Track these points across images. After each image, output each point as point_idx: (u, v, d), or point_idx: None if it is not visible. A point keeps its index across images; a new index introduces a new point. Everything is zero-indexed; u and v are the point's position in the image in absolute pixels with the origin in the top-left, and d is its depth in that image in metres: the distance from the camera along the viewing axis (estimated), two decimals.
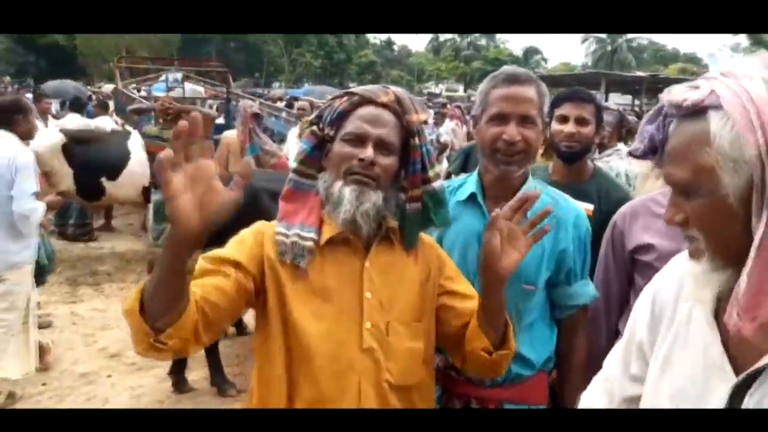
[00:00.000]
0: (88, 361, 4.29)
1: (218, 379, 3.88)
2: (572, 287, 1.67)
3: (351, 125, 1.35)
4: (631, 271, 1.74)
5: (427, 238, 1.54)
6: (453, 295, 1.46)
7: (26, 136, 3.82)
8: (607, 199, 2.23)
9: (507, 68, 1.65)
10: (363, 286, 1.35)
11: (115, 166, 6.27)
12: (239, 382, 3.94)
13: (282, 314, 1.33)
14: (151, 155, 5.37)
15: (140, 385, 4.00)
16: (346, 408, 1.31)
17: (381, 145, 1.33)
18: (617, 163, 3.88)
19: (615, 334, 1.74)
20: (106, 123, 7.68)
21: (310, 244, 1.33)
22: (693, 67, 40.78)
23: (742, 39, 43.53)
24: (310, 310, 1.32)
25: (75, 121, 7.39)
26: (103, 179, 6.30)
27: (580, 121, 2.29)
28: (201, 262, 1.26)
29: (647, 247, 1.65)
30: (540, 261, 1.61)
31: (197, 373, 4.07)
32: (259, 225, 1.41)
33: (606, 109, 4.08)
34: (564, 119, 2.31)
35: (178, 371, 3.86)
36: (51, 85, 19.12)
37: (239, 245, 1.35)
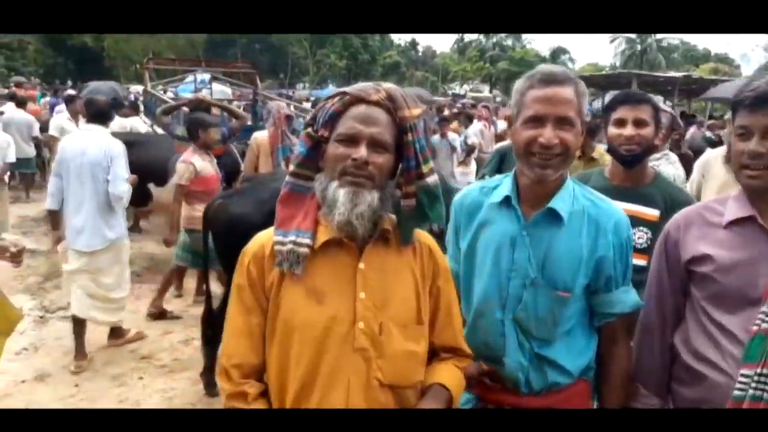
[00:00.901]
0: (120, 363, 4.30)
1: None
2: (612, 294, 1.61)
3: (343, 125, 1.35)
4: (687, 283, 1.63)
5: (430, 240, 1.52)
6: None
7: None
8: (672, 203, 2.15)
9: (543, 67, 1.57)
10: (357, 286, 1.36)
11: (163, 171, 6.01)
12: None
13: (278, 317, 1.37)
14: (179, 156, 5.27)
15: (172, 387, 3.99)
16: (334, 405, 1.33)
17: (374, 144, 1.33)
18: (666, 168, 3.74)
19: (670, 349, 1.66)
20: (139, 124, 7.72)
21: (305, 250, 1.35)
22: (725, 68, 40.03)
23: None
24: (304, 312, 1.35)
25: (112, 122, 7.42)
26: (151, 185, 6.22)
27: (639, 123, 2.23)
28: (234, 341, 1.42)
29: (704, 258, 1.54)
30: (577, 267, 1.56)
31: None
32: (259, 243, 1.43)
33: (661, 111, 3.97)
34: (621, 122, 2.26)
35: (209, 373, 3.82)
36: (93, 85, 19.44)
37: (246, 299, 1.41)
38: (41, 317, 5.15)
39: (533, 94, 1.53)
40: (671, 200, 2.18)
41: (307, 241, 1.35)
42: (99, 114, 4.38)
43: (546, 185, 1.57)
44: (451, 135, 8.43)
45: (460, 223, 1.74)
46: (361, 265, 1.37)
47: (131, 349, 4.52)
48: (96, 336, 4.61)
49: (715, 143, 8.98)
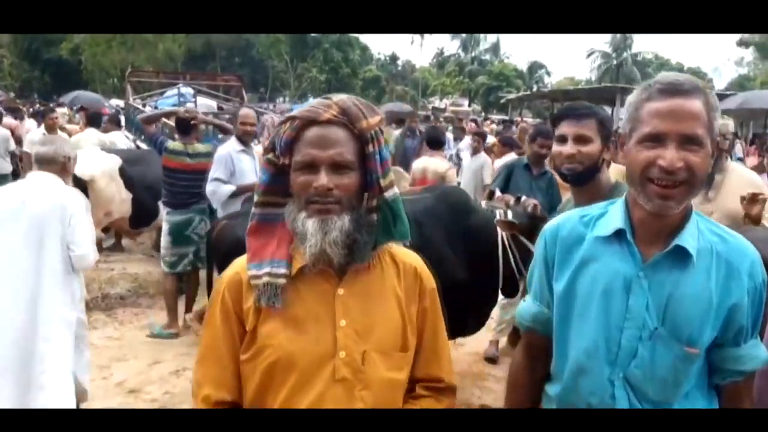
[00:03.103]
0: (105, 398, 3.95)
1: None
2: (741, 349, 1.35)
3: (299, 153, 1.26)
4: None
5: (416, 260, 1.44)
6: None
7: None
8: None
9: (665, 75, 1.32)
10: (336, 314, 1.30)
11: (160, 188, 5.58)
12: None
13: (255, 346, 1.30)
14: (170, 171, 5.01)
15: None
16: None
17: (335, 167, 1.25)
18: None
19: None
20: (120, 139, 7.41)
21: (281, 280, 1.29)
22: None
23: (746, 53, 43.51)
24: (283, 343, 1.28)
25: (92, 137, 7.12)
26: (160, 202, 5.83)
27: (580, 140, 2.06)
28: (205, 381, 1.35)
29: None
30: (706, 317, 1.30)
31: None
32: (234, 270, 1.37)
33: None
34: (562, 139, 2.08)
35: None
36: (74, 95, 18.86)
37: (218, 329, 1.34)
38: None
39: (651, 107, 1.29)
40: None
41: (283, 270, 1.29)
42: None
43: (666, 219, 1.32)
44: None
45: (553, 258, 1.48)
46: (340, 291, 1.31)
47: (117, 382, 4.19)
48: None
49: None
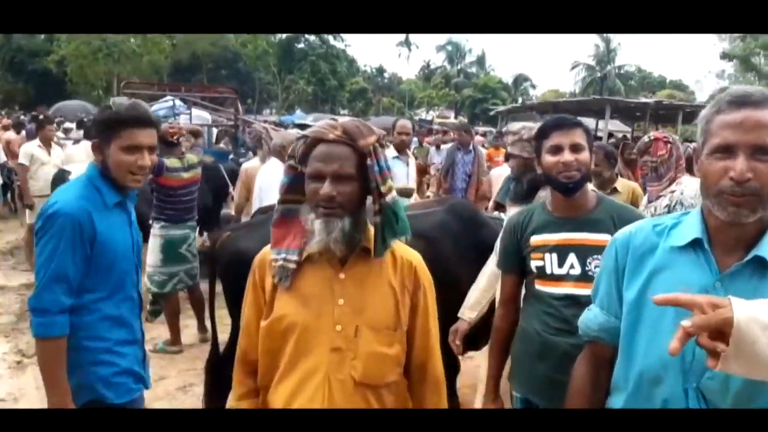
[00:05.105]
0: None
1: None
2: None
3: (310, 166, 1.54)
4: None
5: (414, 256, 1.68)
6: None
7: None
8: (621, 223, 2.01)
9: (736, 88, 1.34)
10: (335, 293, 1.57)
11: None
12: None
13: (271, 317, 1.60)
14: (172, 189, 4.86)
15: None
16: (313, 399, 1.53)
17: (337, 178, 1.50)
18: (688, 191, 3.70)
19: None
20: None
21: (292, 265, 1.58)
22: (680, 94, 41.31)
23: (727, 66, 44.27)
24: (291, 314, 1.57)
25: (87, 150, 7.04)
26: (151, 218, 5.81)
27: (575, 148, 2.11)
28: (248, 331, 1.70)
29: None
30: None
31: None
32: (263, 252, 1.69)
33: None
34: (557, 149, 2.12)
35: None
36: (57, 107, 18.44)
37: (250, 298, 1.69)
38: (18, 362, 4.71)
39: (722, 119, 1.31)
40: (619, 221, 2.05)
41: (295, 257, 1.58)
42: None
43: (742, 228, 1.32)
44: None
45: (624, 266, 1.48)
46: (342, 275, 1.59)
47: None
48: None
49: None
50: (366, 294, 1.58)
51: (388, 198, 1.56)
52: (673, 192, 3.75)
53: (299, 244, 1.59)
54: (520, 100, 50.59)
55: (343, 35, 51.21)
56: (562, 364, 2.06)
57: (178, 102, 9.27)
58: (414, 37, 58.55)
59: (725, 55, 33.81)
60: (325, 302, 1.57)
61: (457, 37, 57.90)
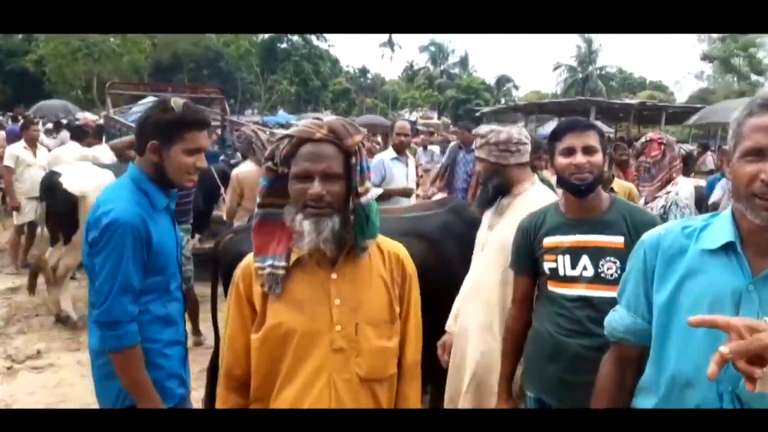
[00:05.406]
0: None
1: None
2: None
3: (296, 166, 1.51)
4: None
5: (398, 248, 1.70)
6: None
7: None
8: (635, 225, 2.05)
9: (766, 91, 1.36)
10: (331, 295, 1.55)
11: None
12: None
13: (264, 326, 1.56)
14: None
15: None
16: (320, 400, 1.52)
17: (326, 177, 1.49)
18: (684, 193, 3.77)
19: None
20: (103, 153, 7.22)
21: (281, 272, 1.55)
22: (660, 95, 41.87)
23: (707, 67, 44.94)
24: (287, 321, 1.54)
25: (74, 152, 6.92)
26: None
27: (588, 150, 2.12)
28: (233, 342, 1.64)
29: None
30: None
31: None
32: (246, 263, 1.64)
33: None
34: (570, 151, 2.13)
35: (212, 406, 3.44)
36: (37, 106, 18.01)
37: (236, 316, 1.64)
38: (9, 368, 4.61)
39: (753, 122, 1.31)
40: (633, 223, 2.08)
41: (283, 263, 1.55)
42: None
43: None
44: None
45: (653, 269, 1.48)
46: (334, 276, 1.57)
47: None
48: (77, 391, 4.16)
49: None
50: (360, 291, 1.58)
51: (363, 199, 1.55)
52: (668, 193, 3.80)
53: (285, 249, 1.57)
54: (503, 100, 50.94)
55: (326, 35, 51.17)
56: (574, 365, 2.08)
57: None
58: (397, 38, 58.72)
59: (705, 57, 34.32)
60: (321, 304, 1.55)
61: (439, 38, 58.19)
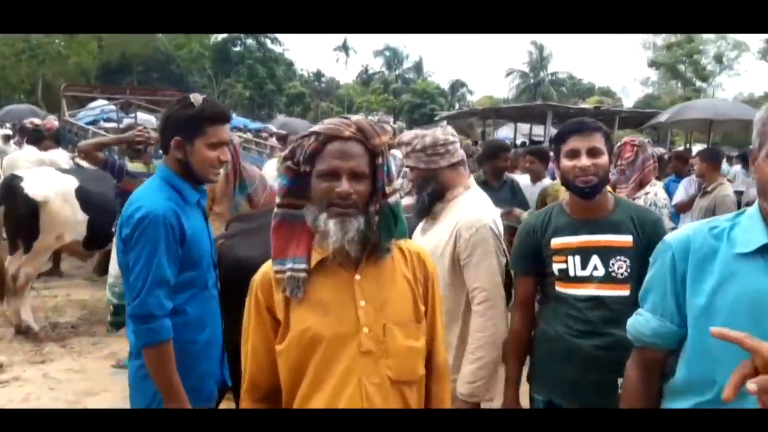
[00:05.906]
0: None
1: None
2: None
3: (323, 163, 1.47)
4: None
5: (418, 247, 1.69)
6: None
7: None
8: (641, 223, 2.07)
9: None
10: (356, 296, 1.50)
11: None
12: None
13: (289, 333, 1.50)
14: (128, 193, 4.61)
15: None
16: (350, 404, 1.47)
17: (353, 175, 1.46)
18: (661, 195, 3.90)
19: None
20: (60, 157, 6.94)
21: (302, 274, 1.49)
22: (608, 100, 43.16)
23: (652, 74, 46.61)
24: (312, 325, 1.49)
25: (30, 155, 6.63)
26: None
27: (593, 153, 2.12)
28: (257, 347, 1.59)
29: None
30: None
31: None
32: (264, 272, 1.59)
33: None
34: (574, 153, 2.13)
35: None
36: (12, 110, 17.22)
37: (257, 327, 1.58)
38: None
39: None
40: (639, 221, 2.11)
41: (304, 266, 1.50)
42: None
43: None
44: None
45: (684, 272, 1.45)
46: (357, 277, 1.52)
47: None
48: (45, 404, 3.96)
49: None
50: (385, 291, 1.54)
51: (391, 199, 1.53)
52: (647, 194, 3.91)
53: (305, 251, 1.52)
54: (457, 105, 51.56)
55: (280, 39, 50.70)
56: (587, 366, 2.07)
57: (108, 107, 8.87)
58: (352, 42, 58.84)
59: (653, 63, 35.55)
60: (347, 306, 1.50)
61: (394, 43, 58.61)
